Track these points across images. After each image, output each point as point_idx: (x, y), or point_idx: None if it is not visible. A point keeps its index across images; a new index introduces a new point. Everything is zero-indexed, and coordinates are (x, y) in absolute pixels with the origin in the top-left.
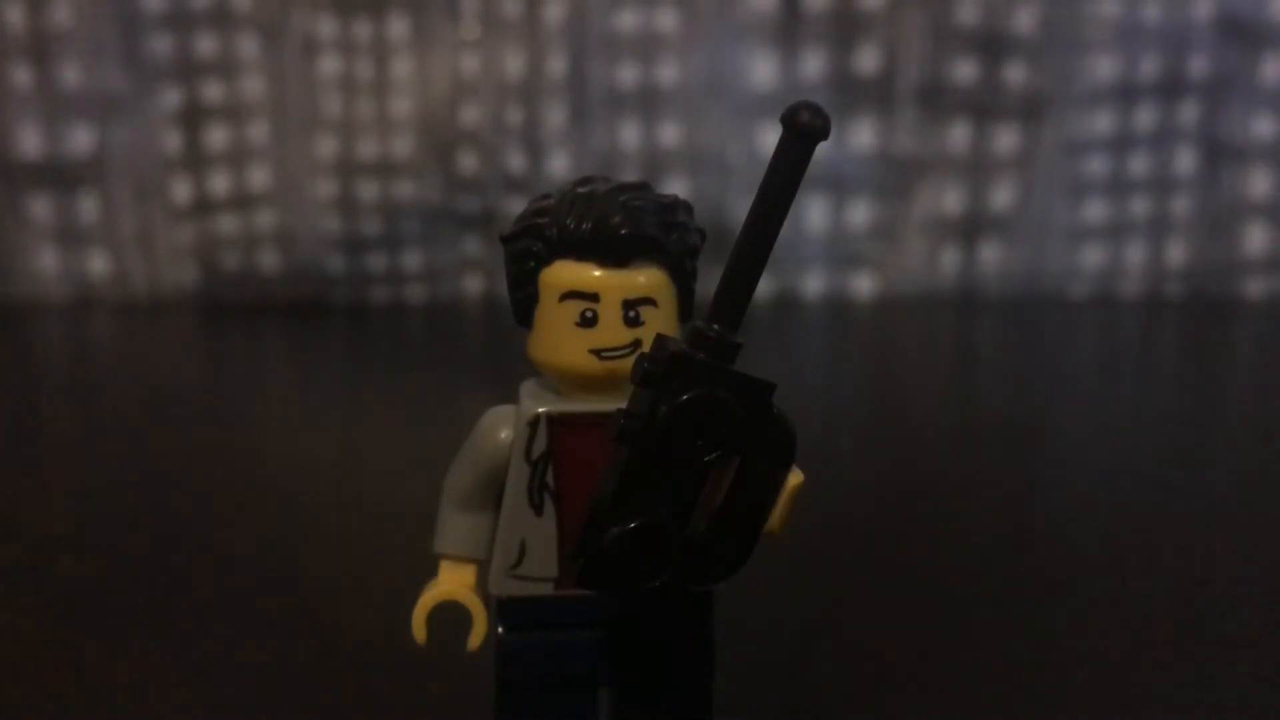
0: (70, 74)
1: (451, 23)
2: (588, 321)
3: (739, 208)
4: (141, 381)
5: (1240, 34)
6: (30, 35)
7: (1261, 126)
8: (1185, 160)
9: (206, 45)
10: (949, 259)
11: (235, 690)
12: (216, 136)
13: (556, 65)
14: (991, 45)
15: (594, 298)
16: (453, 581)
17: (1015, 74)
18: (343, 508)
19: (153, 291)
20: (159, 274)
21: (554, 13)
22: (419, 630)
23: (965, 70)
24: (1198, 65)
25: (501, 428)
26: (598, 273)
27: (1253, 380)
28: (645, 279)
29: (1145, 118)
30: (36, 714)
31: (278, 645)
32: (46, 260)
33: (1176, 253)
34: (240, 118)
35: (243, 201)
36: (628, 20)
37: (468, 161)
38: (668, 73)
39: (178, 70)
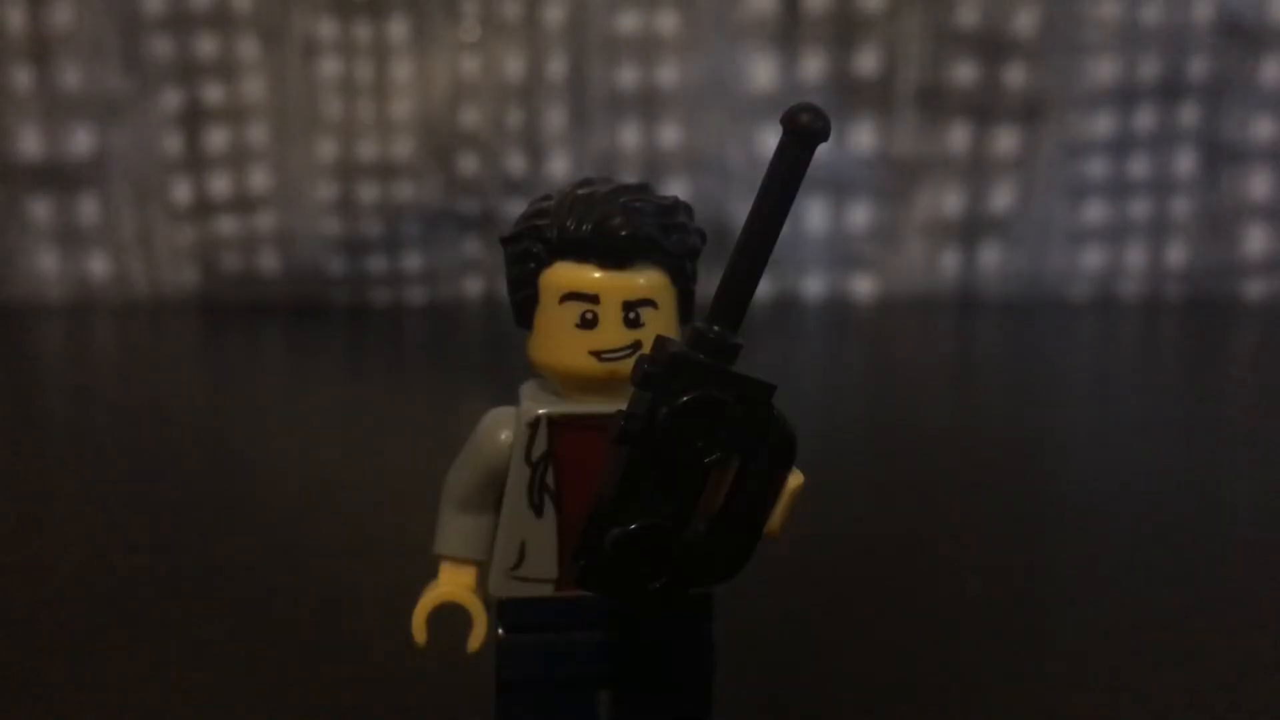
0: (71, 76)
1: (451, 24)
2: (588, 323)
3: (739, 209)
4: (142, 383)
5: (1240, 36)
6: (31, 37)
7: (1261, 128)
8: (1185, 162)
9: (207, 47)
10: (949, 260)
11: (235, 691)
12: (217, 138)
13: (557, 67)
14: (991, 47)
15: (594, 299)
16: (453, 583)
17: (1015, 76)
18: (343, 509)
19: (153, 293)
20: (159, 275)
21: (554, 14)
22: (419, 631)
23: (965, 72)
24: (1197, 67)
25: (502, 429)
26: (598, 274)
27: (1253, 381)
28: (645, 280)
29: (1145, 119)
30: None
31: (278, 647)
32: (47, 261)
33: (1176, 254)
34: (240, 119)
35: (243, 203)
36: (628, 22)
37: (468, 163)
38: (668, 74)
39: (178, 72)
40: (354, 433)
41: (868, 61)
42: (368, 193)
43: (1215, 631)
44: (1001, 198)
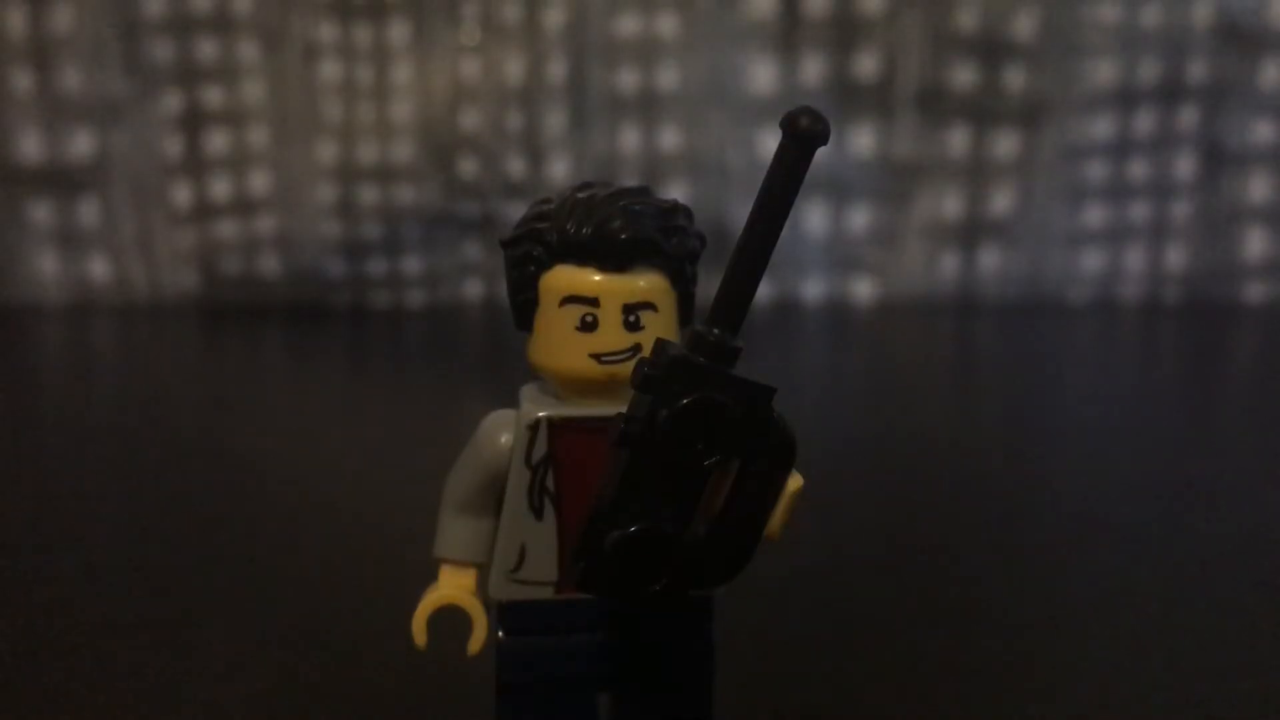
0: (71, 79)
1: (452, 28)
2: (588, 326)
3: (739, 212)
4: (142, 385)
5: (1239, 39)
6: (31, 40)
7: (1260, 131)
8: (1184, 165)
9: (207, 50)
10: (948, 263)
11: (235, 693)
12: (217, 141)
13: (556, 70)
14: (991, 50)
15: (594, 302)
16: (453, 586)
17: (1014, 79)
18: (343, 512)
19: (153, 295)
20: (159, 278)
21: (554, 17)
22: (419, 634)
23: (965, 75)
24: (1197, 70)
25: (502, 432)
26: (598, 277)
27: (1252, 384)
28: (645, 283)
29: (1144, 123)
30: None
31: (278, 649)
32: (47, 264)
33: (1176, 257)
34: (241, 122)
35: (243, 206)
36: (628, 25)
37: (468, 166)
38: (668, 77)
39: (178, 75)
40: (354, 436)
41: (867, 64)
42: (368, 195)
43: (1215, 633)
44: (1001, 201)
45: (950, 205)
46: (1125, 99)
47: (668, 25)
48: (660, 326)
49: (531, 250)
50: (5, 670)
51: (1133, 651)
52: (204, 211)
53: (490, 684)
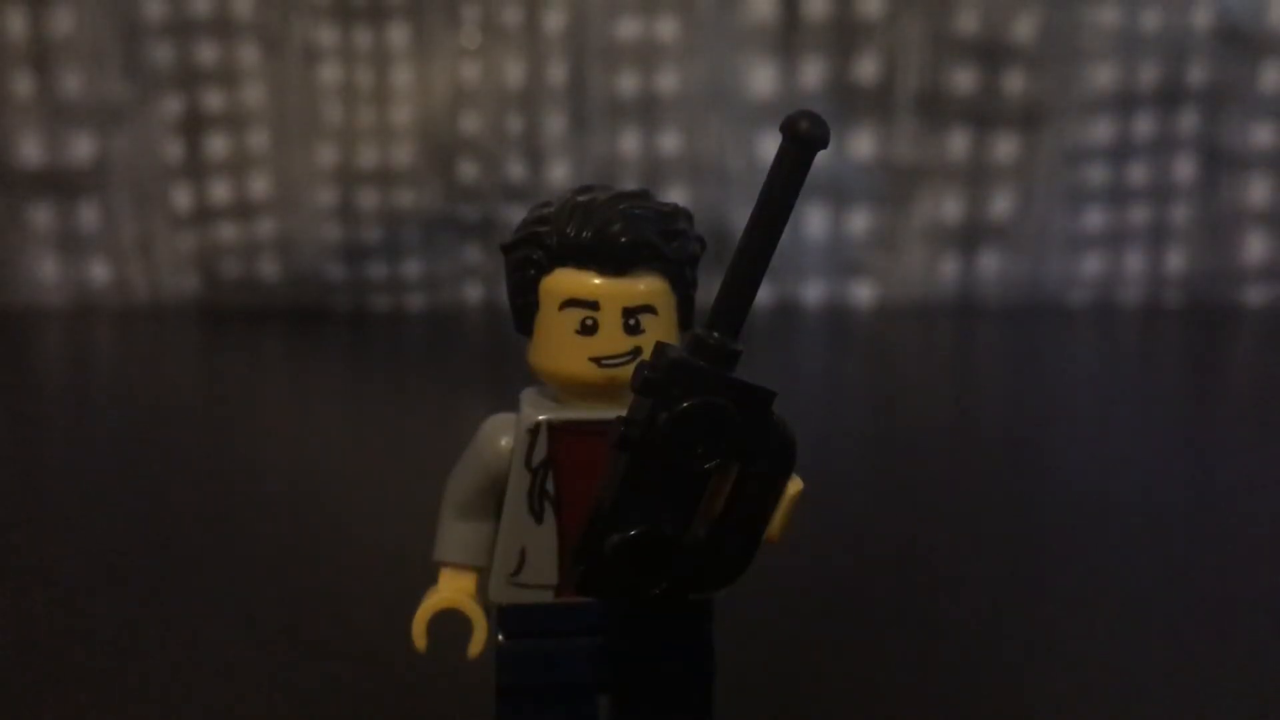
0: (71, 82)
1: (452, 31)
2: (588, 329)
3: (739, 216)
4: (142, 389)
5: (1239, 42)
6: (31, 44)
7: (1260, 134)
8: (1184, 168)
9: (207, 53)
10: (948, 267)
11: (234, 696)
12: (217, 144)
13: (557, 73)
14: (991, 54)
15: (594, 305)
16: (452, 589)
17: (1014, 82)
18: (343, 515)
19: (153, 299)
20: (160, 281)
21: (554, 21)
22: (419, 638)
23: (964, 79)
24: (1197, 74)
25: (502, 435)
26: (598, 281)
27: (1252, 387)
28: (645, 287)
29: (1144, 126)
30: None
31: (277, 652)
32: (47, 268)
33: (1176, 260)
34: (241, 126)
35: (243, 209)
36: (628, 28)
37: (468, 169)
38: (668, 81)
39: (179, 78)
40: (354, 439)
41: (867, 68)
42: (368, 199)
43: (1213, 635)
44: (1001, 204)
45: (950, 208)
46: (1125, 102)
47: (668, 28)
48: (660, 330)
49: (531, 254)
50: (5, 671)
51: (1133, 652)
52: (204, 215)
53: (490, 687)
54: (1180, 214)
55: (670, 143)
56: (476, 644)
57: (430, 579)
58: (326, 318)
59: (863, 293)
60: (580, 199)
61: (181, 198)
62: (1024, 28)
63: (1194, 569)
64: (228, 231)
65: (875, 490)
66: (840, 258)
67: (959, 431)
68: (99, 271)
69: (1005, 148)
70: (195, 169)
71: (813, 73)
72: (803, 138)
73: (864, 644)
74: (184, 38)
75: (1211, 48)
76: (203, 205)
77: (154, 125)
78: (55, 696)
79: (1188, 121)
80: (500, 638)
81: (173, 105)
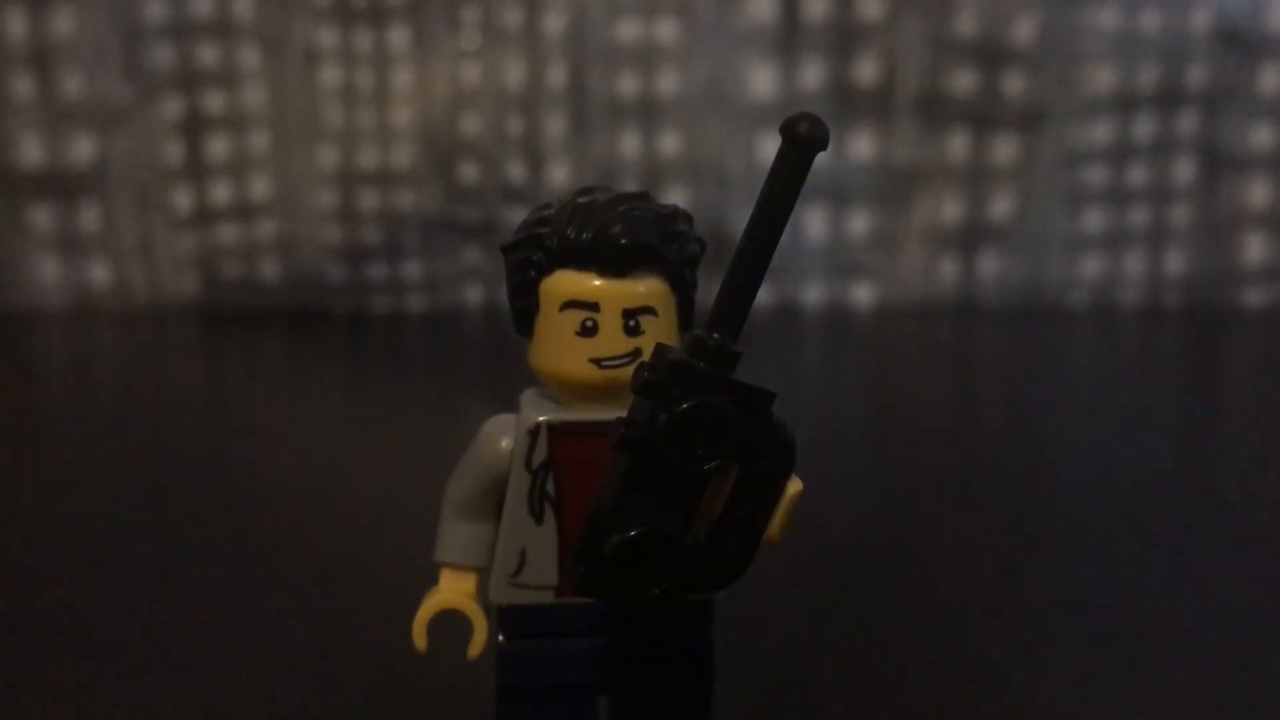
0: (72, 84)
1: (452, 33)
2: (588, 331)
3: (739, 217)
4: (142, 390)
5: (1238, 44)
6: (32, 45)
7: (1260, 136)
8: (1184, 170)
9: (208, 55)
10: (948, 268)
11: (234, 697)
12: (217, 146)
13: (557, 75)
14: (990, 55)
15: (594, 307)
16: (453, 590)
17: (1014, 84)
18: (343, 516)
19: (153, 301)
20: (160, 283)
21: (554, 23)
22: (419, 638)
23: (964, 80)
24: (1196, 75)
25: (502, 436)
26: (598, 282)
27: (1251, 389)
28: (645, 288)
29: (1144, 128)
30: None
31: (278, 653)
32: (48, 269)
33: (1175, 262)
34: (241, 127)
35: (243, 211)
36: (628, 30)
37: (468, 171)
38: (668, 83)
39: (179, 80)
40: (354, 440)
41: (867, 70)
42: (368, 201)
43: (1211, 636)
44: (1001, 206)
45: (950, 210)
46: (1124, 104)
47: (668, 30)
48: (660, 331)
49: (532, 255)
50: (4, 671)
51: (1133, 652)
52: (204, 216)
53: (490, 688)
54: (1180, 215)
55: (670, 144)
56: (476, 645)
57: (430, 579)
58: (327, 319)
59: (862, 294)
60: (580, 200)
61: (182, 199)
62: (1024, 29)
63: (1194, 569)
64: (228, 233)
65: (875, 491)
66: (840, 259)
67: (958, 433)
68: (99, 273)
69: (1005, 149)
70: (195, 170)
71: (812, 74)
72: (802, 139)
73: (864, 644)
74: (184, 39)
75: (1211, 49)
76: (203, 207)
77: (154, 127)
78: (55, 696)
79: (1187, 123)
80: (500, 638)
81: (173, 107)
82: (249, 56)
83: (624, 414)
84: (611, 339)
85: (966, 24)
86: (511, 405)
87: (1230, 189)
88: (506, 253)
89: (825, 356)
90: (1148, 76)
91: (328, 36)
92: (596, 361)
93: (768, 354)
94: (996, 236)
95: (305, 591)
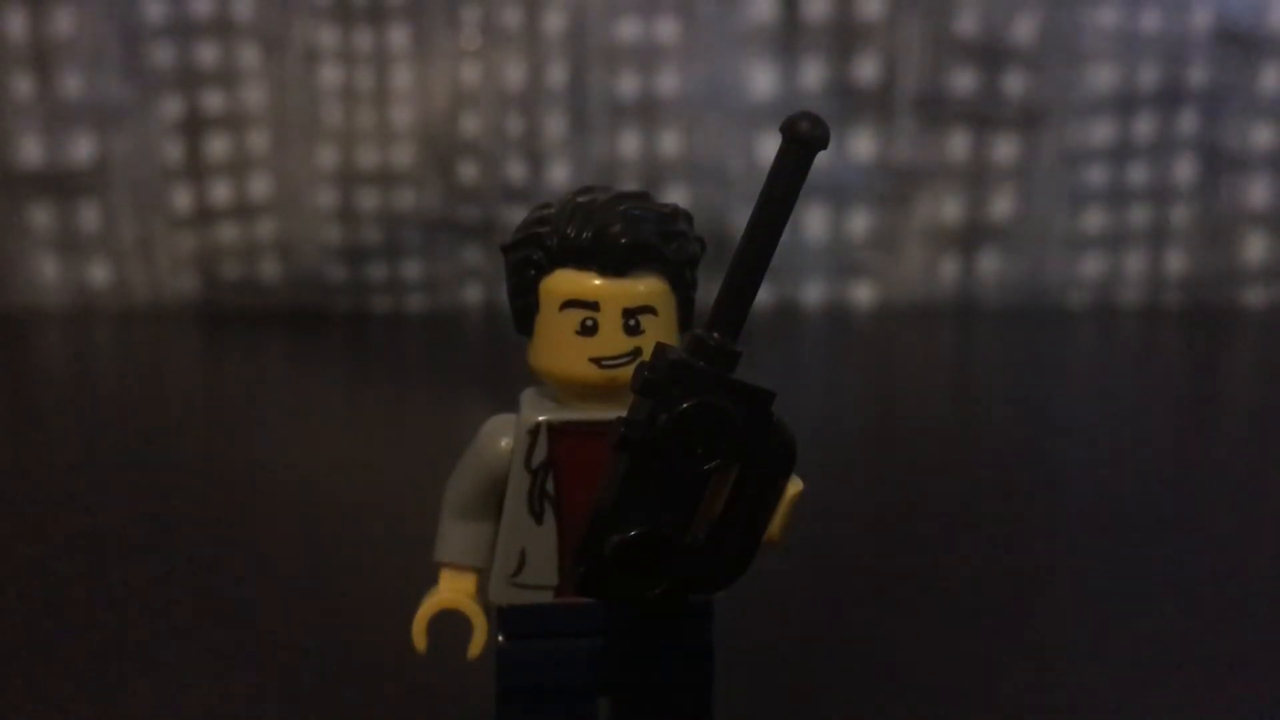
0: (71, 83)
1: (452, 32)
2: (588, 330)
3: (739, 217)
4: (142, 390)
5: (1239, 44)
6: (31, 45)
7: (1260, 136)
8: (1184, 169)
9: (208, 55)
10: (948, 268)
11: (234, 698)
12: (217, 146)
13: (557, 75)
14: (990, 55)
15: (594, 306)
16: (453, 590)
17: (1014, 83)
18: (343, 516)
19: (153, 300)
20: (160, 283)
21: (554, 23)
22: (419, 638)
23: (964, 80)
24: (1197, 75)
25: (502, 436)
26: (598, 281)
27: (1252, 389)
28: (645, 288)
29: (1144, 127)
30: None
31: (277, 654)
32: (47, 269)
33: (1176, 262)
34: (241, 127)
35: (243, 211)
36: (628, 30)
37: (468, 171)
38: (668, 82)
39: (179, 80)
40: (354, 440)
41: (867, 69)
42: (368, 200)
43: (1209, 636)
44: (1001, 205)
45: (950, 210)
46: (1125, 103)
47: (667, 30)
48: (660, 331)
49: (531, 255)
50: (4, 672)
51: (1133, 652)
52: (204, 216)
53: (490, 688)
54: (1180, 215)
55: (670, 144)
56: (476, 645)
57: (430, 579)
58: (327, 319)
59: (862, 294)
60: (580, 200)
61: (182, 199)
62: (1024, 29)
63: (1193, 569)
64: (228, 233)
65: (875, 491)
66: (840, 259)
67: (958, 433)
68: (99, 273)
69: (1005, 149)
70: (195, 170)
71: (813, 74)
72: (803, 138)
73: (863, 644)
74: (184, 39)
75: (1211, 48)
76: (203, 206)
77: (154, 126)
78: (55, 697)
79: (1188, 122)
80: (500, 639)
81: (173, 106)
82: (249, 56)
83: (624, 413)
84: (611, 338)
85: (967, 24)
86: (511, 405)
87: (1231, 188)
88: (506, 252)
89: (825, 356)
90: (1148, 76)
91: (328, 36)
92: (596, 361)
93: (768, 354)
94: (997, 236)
95: (304, 590)
